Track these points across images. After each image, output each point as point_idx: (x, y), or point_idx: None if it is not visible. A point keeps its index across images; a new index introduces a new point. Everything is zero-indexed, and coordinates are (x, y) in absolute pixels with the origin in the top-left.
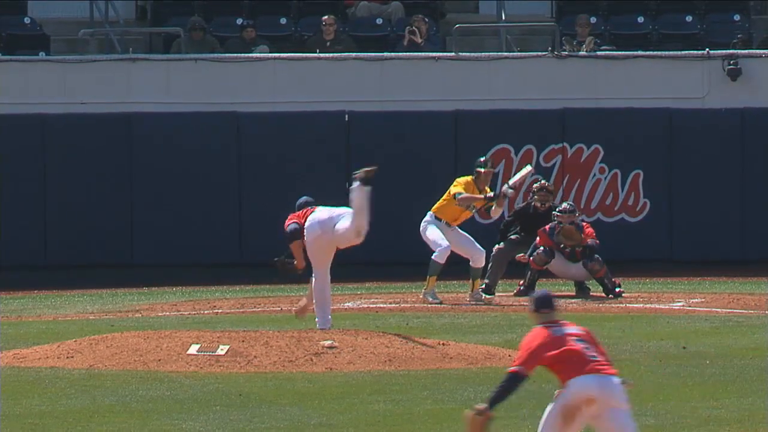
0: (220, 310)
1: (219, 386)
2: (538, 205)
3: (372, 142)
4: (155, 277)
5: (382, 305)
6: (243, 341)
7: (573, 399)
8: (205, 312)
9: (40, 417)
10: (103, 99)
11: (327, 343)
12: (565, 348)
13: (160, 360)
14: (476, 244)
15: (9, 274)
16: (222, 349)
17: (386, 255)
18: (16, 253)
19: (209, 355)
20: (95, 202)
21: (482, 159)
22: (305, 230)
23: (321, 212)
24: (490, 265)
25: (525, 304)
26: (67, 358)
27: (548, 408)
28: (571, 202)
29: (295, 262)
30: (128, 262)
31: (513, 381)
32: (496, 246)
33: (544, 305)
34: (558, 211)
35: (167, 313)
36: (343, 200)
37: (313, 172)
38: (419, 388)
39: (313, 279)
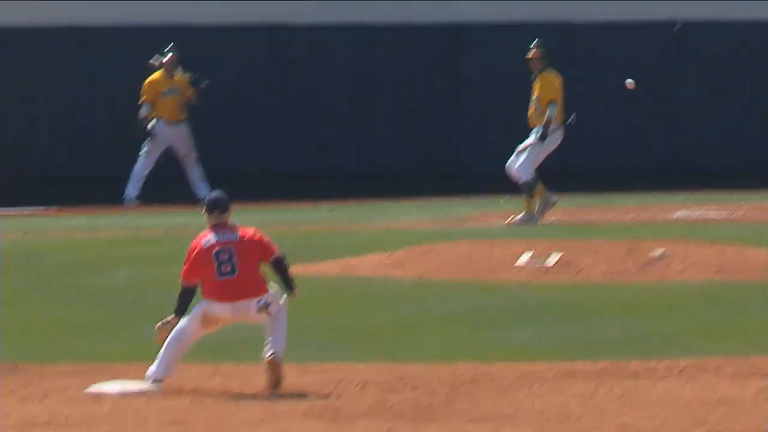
0: (549, 220)
1: (549, 296)
2: None
3: None
4: (485, 187)
5: (712, 215)
6: (573, 250)
7: (212, 313)
8: None
9: (370, 326)
10: (431, 8)
11: (658, 252)
12: (201, 263)
13: (490, 269)
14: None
15: (342, 183)
16: (552, 259)
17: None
18: (340, 164)
19: (539, 265)
20: (423, 112)
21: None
22: None
23: None
24: None
25: None
26: (397, 267)
27: (196, 307)
28: None
29: None
30: (459, 172)
31: (183, 294)
32: None
33: (213, 207)
34: None
35: (498, 223)
36: None
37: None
38: (751, 299)
39: None
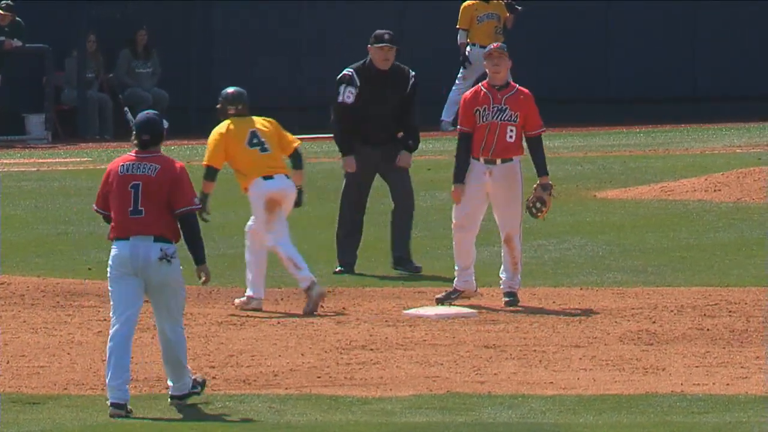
0: None
1: None
2: None
3: None
4: None
5: None
6: None
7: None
8: None
9: (687, 250)
10: None
11: None
12: None
13: None
14: None
15: (658, 106)
16: None
17: None
18: (665, 86)
19: None
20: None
21: None
22: None
23: None
24: None
25: None
26: (715, 191)
27: None
28: None
29: None
30: None
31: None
32: None
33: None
34: None
35: None
36: None
37: None
38: None
39: None
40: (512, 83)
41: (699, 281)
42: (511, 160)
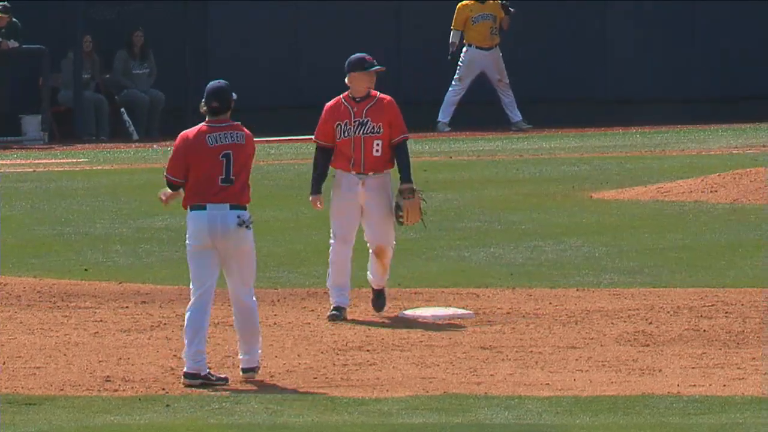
0: None
1: None
2: None
3: None
4: None
5: None
6: None
7: None
8: None
9: (684, 251)
10: None
11: None
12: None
13: None
14: None
15: (653, 107)
16: None
17: None
18: (663, 86)
19: None
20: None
21: None
22: None
23: None
24: None
25: None
26: (711, 192)
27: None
28: None
29: None
30: None
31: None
32: None
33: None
34: None
35: None
36: None
37: None
38: None
39: None
40: (373, 92)
41: (695, 282)
42: (383, 173)
